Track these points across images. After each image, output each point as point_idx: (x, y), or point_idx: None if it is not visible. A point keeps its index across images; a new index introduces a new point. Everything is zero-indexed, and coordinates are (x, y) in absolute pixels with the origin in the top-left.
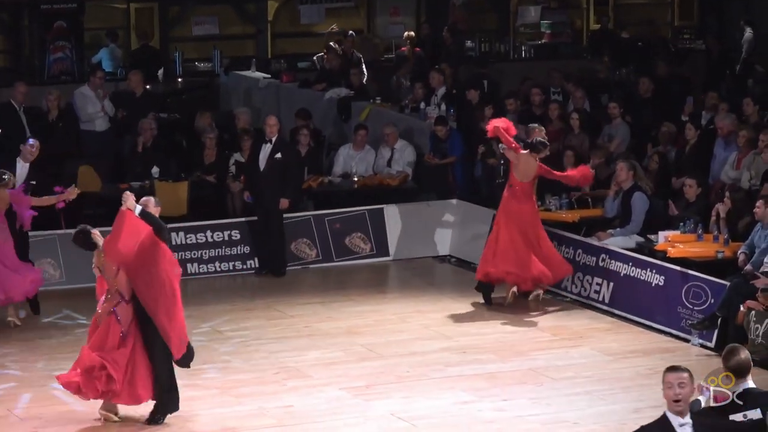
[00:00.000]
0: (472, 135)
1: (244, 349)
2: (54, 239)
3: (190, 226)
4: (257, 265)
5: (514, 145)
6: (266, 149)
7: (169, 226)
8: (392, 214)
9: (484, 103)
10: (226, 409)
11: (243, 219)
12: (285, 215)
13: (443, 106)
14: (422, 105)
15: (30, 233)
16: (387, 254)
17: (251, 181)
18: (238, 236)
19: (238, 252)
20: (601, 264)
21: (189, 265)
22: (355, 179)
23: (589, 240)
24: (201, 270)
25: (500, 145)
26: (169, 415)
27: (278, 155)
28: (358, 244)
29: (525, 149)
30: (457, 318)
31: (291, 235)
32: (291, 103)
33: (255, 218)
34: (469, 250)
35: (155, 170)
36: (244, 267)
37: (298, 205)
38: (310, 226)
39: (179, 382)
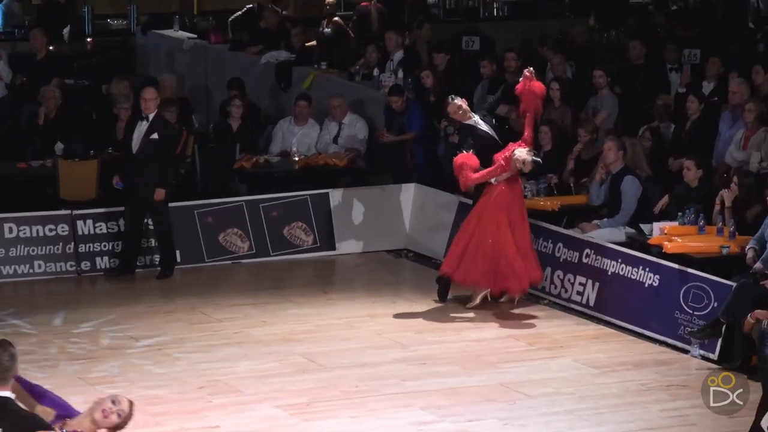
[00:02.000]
0: (435, 107)
1: (162, 358)
2: None
3: (100, 213)
4: (112, 266)
5: (500, 169)
6: (141, 127)
7: (76, 212)
8: (339, 200)
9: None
10: (141, 430)
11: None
12: (220, 201)
13: (401, 73)
14: (376, 71)
15: None
16: (333, 248)
17: (123, 164)
18: None
19: (154, 244)
20: (585, 260)
21: (98, 259)
22: (296, 159)
23: (571, 232)
24: (113, 264)
25: (494, 179)
26: None
27: (154, 135)
28: (298, 236)
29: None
30: (416, 323)
31: (220, 224)
32: (221, 67)
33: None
34: (430, 242)
35: (59, 146)
36: None
37: (174, 196)
38: (242, 213)
39: (81, 398)
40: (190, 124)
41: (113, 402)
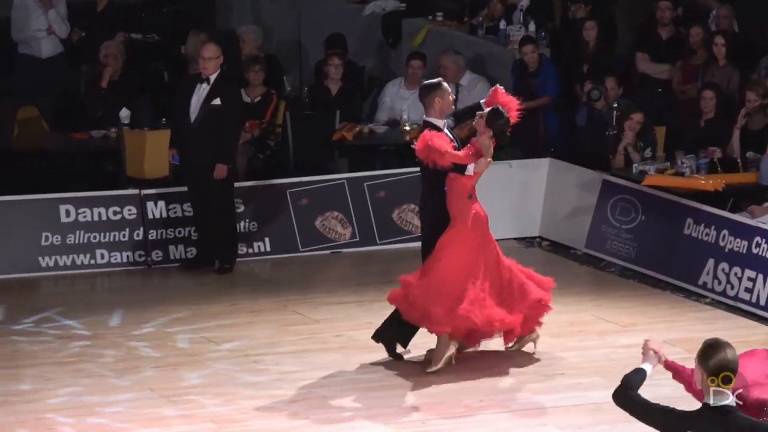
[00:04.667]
0: (574, 67)
1: (248, 367)
2: None
3: (174, 192)
4: (188, 256)
5: (472, 151)
6: (201, 92)
7: (145, 192)
8: None
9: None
10: None
11: (250, 183)
12: (316, 179)
13: (532, 26)
14: (502, 24)
15: None
16: None
17: (178, 135)
18: (242, 208)
19: (242, 229)
20: (755, 251)
21: (172, 248)
22: (407, 128)
23: (738, 217)
24: (189, 254)
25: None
26: None
27: (216, 101)
28: (410, 221)
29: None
30: (551, 325)
31: (317, 206)
32: (315, 19)
33: (185, 189)
34: (568, 229)
35: (125, 114)
36: (250, 251)
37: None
38: (344, 194)
39: (153, 411)
40: (280, 87)
41: None
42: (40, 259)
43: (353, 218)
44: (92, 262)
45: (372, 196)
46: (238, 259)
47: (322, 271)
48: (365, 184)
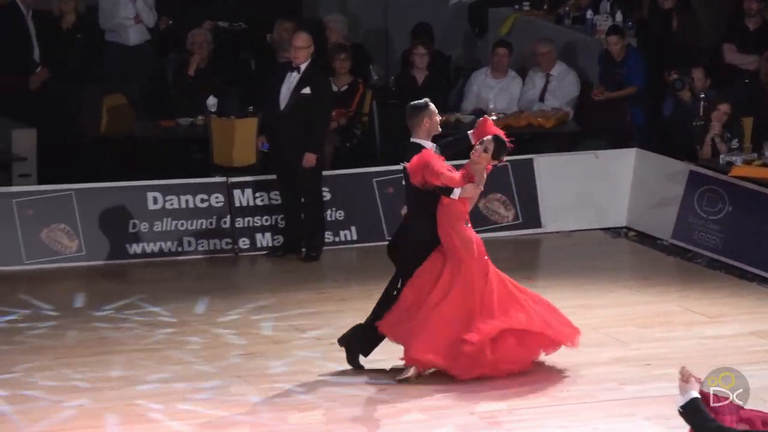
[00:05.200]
0: (661, 56)
1: (333, 355)
2: (69, 196)
3: (261, 180)
4: (275, 244)
5: (462, 175)
6: (291, 80)
7: (232, 180)
8: (545, 169)
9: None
10: None
11: (337, 172)
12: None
13: (619, 15)
14: (589, 13)
15: (37, 188)
16: (537, 224)
17: (267, 122)
18: (328, 196)
19: (329, 217)
20: None
21: (259, 236)
22: (494, 118)
23: None
24: (275, 242)
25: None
26: None
27: (306, 90)
28: (496, 210)
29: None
30: (638, 316)
31: (402, 196)
32: (401, 8)
33: (274, 176)
34: (655, 219)
35: (212, 102)
36: (338, 239)
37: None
38: None
39: (240, 398)
40: (366, 77)
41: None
42: (128, 246)
43: None
44: (179, 249)
45: None
46: (324, 248)
47: None
48: None
